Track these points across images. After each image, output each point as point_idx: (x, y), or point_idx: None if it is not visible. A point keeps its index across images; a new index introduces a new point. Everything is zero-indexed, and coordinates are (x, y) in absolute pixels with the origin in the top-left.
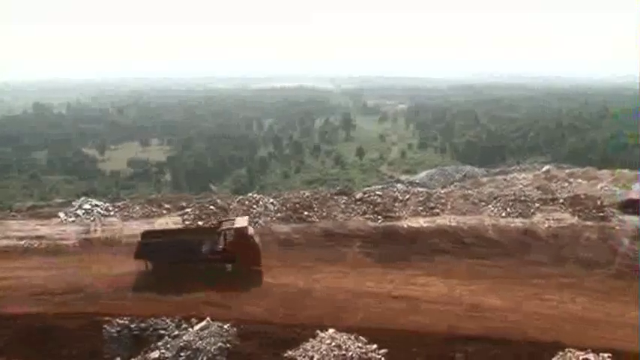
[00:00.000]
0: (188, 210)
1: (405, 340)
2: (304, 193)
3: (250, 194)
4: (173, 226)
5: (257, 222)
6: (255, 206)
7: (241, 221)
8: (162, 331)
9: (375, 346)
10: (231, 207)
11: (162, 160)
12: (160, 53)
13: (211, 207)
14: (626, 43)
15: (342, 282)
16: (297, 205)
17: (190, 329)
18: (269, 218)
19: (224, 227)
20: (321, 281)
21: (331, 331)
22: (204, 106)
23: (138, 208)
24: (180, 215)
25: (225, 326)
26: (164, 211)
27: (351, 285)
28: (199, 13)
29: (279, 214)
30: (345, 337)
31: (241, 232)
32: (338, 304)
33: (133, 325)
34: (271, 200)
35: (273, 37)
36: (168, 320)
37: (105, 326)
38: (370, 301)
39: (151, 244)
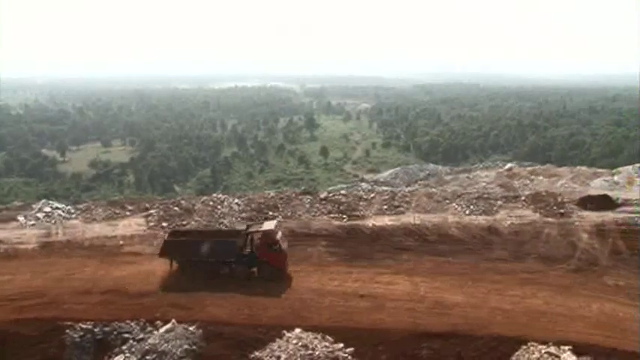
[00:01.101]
0: (152, 211)
1: (371, 338)
2: (269, 193)
3: (215, 194)
4: (202, 227)
5: (221, 222)
6: (219, 206)
7: (270, 225)
8: (127, 335)
9: (341, 344)
10: (195, 208)
11: (124, 161)
12: (120, 53)
13: (175, 208)
14: (586, 44)
15: (308, 281)
16: (262, 205)
17: (155, 332)
18: (234, 218)
19: (251, 230)
20: (286, 281)
21: (297, 330)
22: (167, 106)
23: (100, 210)
24: (144, 217)
25: (191, 328)
26: (127, 213)
27: (316, 284)
28: (158, 12)
29: (243, 214)
30: (311, 336)
31: (269, 235)
32: (303, 304)
33: (96, 330)
34: (236, 200)
35: (234, 36)
36: (132, 323)
37: (67, 331)
38: (336, 300)
39: (175, 243)
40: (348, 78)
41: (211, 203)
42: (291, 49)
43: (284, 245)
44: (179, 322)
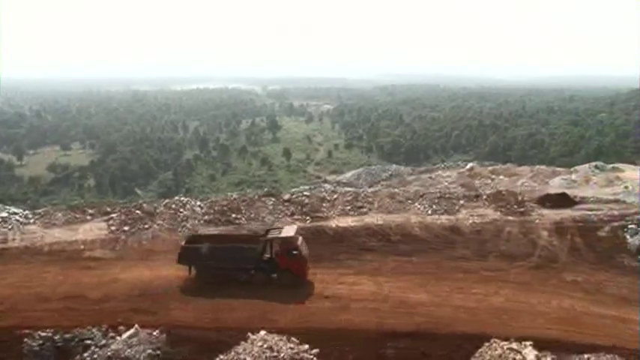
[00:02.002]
0: (113, 215)
1: (336, 339)
2: (231, 196)
3: (177, 197)
4: (221, 232)
5: (184, 226)
6: (182, 210)
7: (289, 230)
8: (89, 342)
9: (306, 346)
10: (157, 211)
11: (84, 164)
12: (77, 55)
13: (137, 212)
14: (541, 45)
15: (272, 283)
16: (225, 208)
17: (118, 338)
18: (196, 221)
19: (271, 236)
20: (250, 283)
21: (262, 333)
22: (127, 108)
23: (60, 214)
24: (105, 221)
25: (155, 333)
26: (88, 217)
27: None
28: (117, 13)
29: (206, 217)
30: (276, 338)
31: (290, 242)
32: (268, 306)
33: (56, 337)
34: (198, 203)
35: (195, 38)
36: (94, 330)
37: (25, 340)
38: (301, 302)
39: (194, 249)
40: (310, 79)
41: (174, 206)
42: (253, 51)
43: (305, 251)
44: (142, 327)
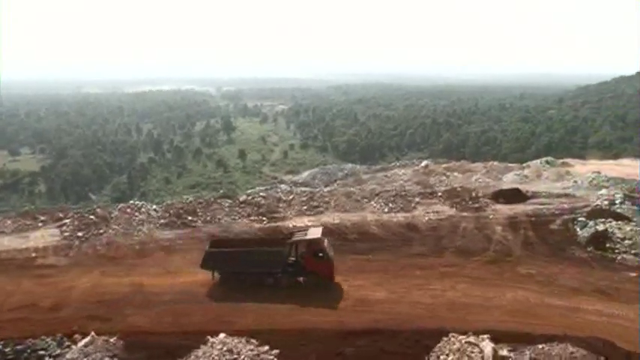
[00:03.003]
0: (66, 221)
1: (296, 339)
2: (187, 198)
3: (132, 201)
4: (242, 236)
5: (140, 230)
6: (137, 213)
7: (315, 232)
8: (42, 352)
9: (266, 347)
10: (112, 215)
11: (35, 170)
12: (23, 56)
13: (91, 217)
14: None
15: (225, 287)
16: (181, 211)
17: (74, 346)
18: (152, 225)
19: (296, 238)
20: (207, 285)
21: (222, 335)
22: (78, 111)
23: (9, 222)
24: (57, 227)
25: (112, 340)
26: (39, 224)
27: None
28: (66, 12)
29: (162, 221)
30: (236, 340)
31: (317, 244)
32: (227, 309)
33: (7, 350)
34: (154, 207)
35: (146, 39)
36: (48, 339)
37: None
38: (259, 303)
39: (218, 254)
40: (264, 80)
41: (129, 210)
42: (207, 52)
43: (331, 253)
44: (98, 334)
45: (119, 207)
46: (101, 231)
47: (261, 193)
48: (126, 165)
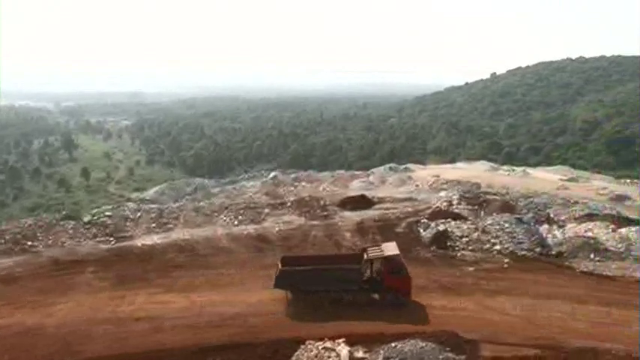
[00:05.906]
0: None
1: None
2: (26, 222)
3: None
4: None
5: None
6: None
7: (391, 248)
8: None
9: None
10: None
11: None
12: None
13: None
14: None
15: (78, 312)
16: (19, 236)
17: None
18: None
19: (371, 255)
20: (54, 315)
21: None
22: None
23: None
24: None
25: None
26: None
27: (88, 314)
28: None
29: None
30: None
31: (395, 260)
32: (75, 336)
33: None
34: None
35: None
36: None
37: None
38: (111, 328)
39: (293, 272)
40: (105, 94)
41: None
42: (42, 65)
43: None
44: None
45: None
46: None
47: (106, 213)
48: None
